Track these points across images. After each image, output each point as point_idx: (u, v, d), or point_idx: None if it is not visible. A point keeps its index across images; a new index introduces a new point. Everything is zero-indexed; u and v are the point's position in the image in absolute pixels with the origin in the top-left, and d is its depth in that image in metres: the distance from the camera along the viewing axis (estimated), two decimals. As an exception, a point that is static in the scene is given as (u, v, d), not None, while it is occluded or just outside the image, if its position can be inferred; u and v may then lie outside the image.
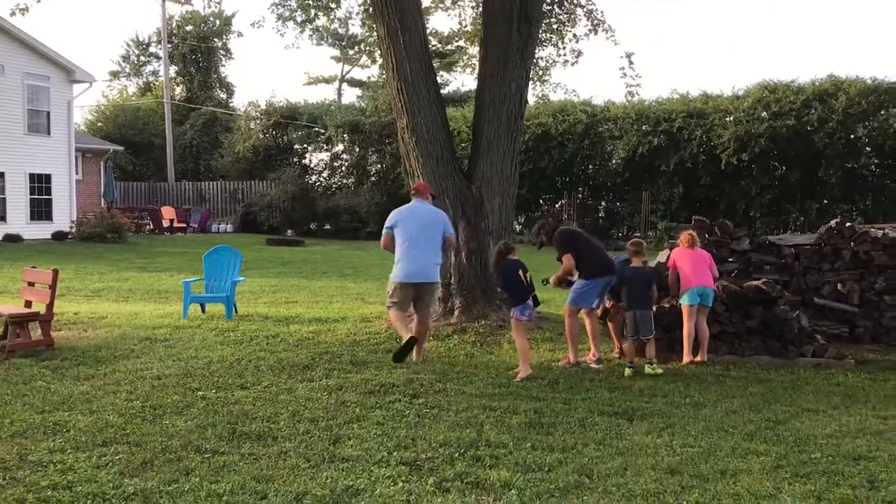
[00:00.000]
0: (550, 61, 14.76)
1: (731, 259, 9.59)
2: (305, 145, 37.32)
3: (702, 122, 26.05)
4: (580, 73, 74.42)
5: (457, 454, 5.23)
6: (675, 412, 6.42)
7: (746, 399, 6.87)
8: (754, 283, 8.72)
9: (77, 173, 28.56)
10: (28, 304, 9.27)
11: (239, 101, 51.23)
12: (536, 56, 12.74)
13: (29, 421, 5.91)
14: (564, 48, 14.29)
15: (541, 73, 14.83)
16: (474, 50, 19.95)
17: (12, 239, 24.04)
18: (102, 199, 30.76)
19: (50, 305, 8.77)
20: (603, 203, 30.01)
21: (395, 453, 5.24)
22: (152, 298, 13.54)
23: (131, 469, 4.92)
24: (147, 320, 10.40)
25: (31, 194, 25.82)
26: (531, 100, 15.59)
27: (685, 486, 4.75)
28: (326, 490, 4.59)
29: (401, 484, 4.72)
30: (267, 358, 8.17)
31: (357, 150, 34.84)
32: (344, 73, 50.30)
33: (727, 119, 25.69)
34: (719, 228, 9.71)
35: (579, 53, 14.34)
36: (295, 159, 37.10)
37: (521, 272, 7.69)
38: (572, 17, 13.73)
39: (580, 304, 8.26)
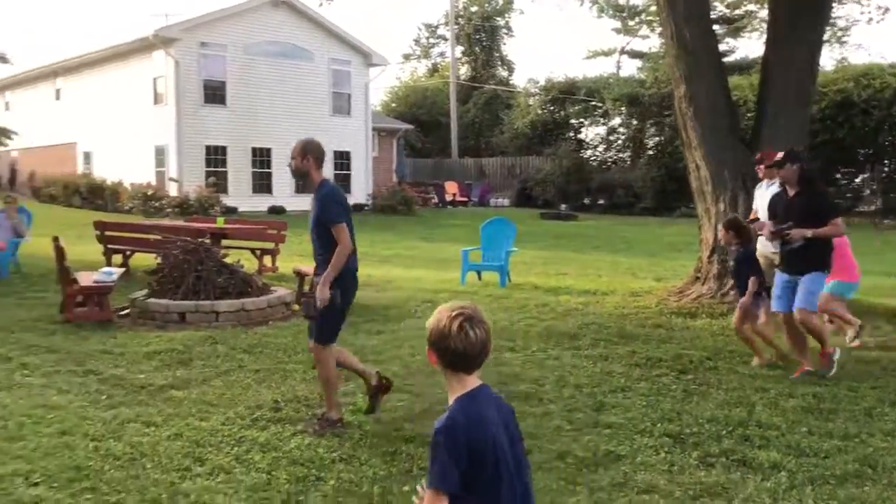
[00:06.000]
0: (851, 20, 13.44)
1: None
2: (582, 120, 37.37)
3: None
4: (888, 32, 66.22)
5: (724, 432, 5.09)
6: None
7: None
8: None
9: (373, 150, 31.12)
10: (329, 265, 10.38)
11: (519, 79, 52.52)
12: (834, 15, 11.65)
13: (328, 367, 6.68)
14: (868, 4, 12.93)
15: (839, 33, 13.55)
16: (764, 13, 18.63)
17: (318, 209, 26.92)
18: (394, 175, 33.26)
19: (347, 268, 9.74)
20: (914, 177, 26.74)
21: (658, 425, 5.22)
22: (434, 266, 14.50)
23: (411, 415, 5.41)
24: (429, 285, 11.19)
25: (334, 170, 28.63)
26: (829, 64, 14.32)
27: None
28: (588, 453, 4.71)
29: (663, 454, 4.71)
30: (536, 325, 8.45)
31: (634, 123, 34.21)
32: (624, 45, 49.38)
33: None
34: None
35: (886, 10, 12.91)
36: (571, 134, 37.30)
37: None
38: (880, -32, 12.37)
39: (814, 305, 6.55)
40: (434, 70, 51.09)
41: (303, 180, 5.32)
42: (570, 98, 36.59)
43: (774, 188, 7.13)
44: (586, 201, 33.01)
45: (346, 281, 5.20)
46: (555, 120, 37.47)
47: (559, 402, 5.73)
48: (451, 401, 2.39)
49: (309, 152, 5.23)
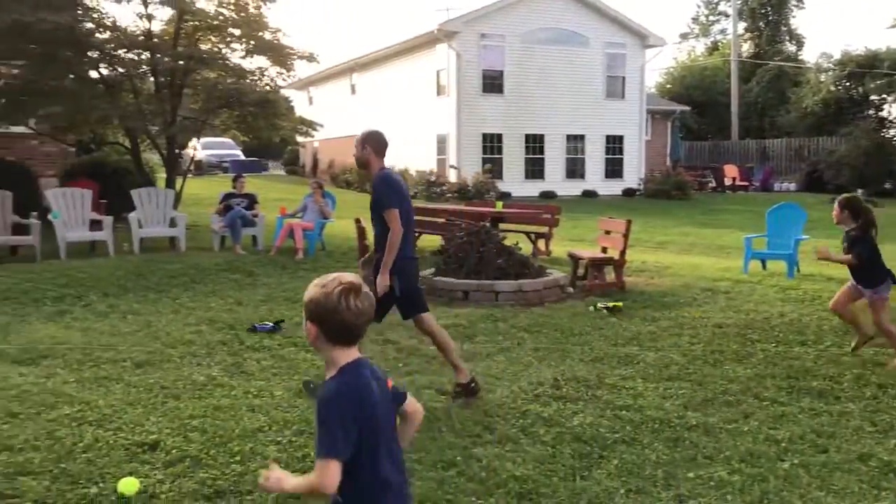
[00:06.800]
0: None
1: None
2: (884, 96, 33.63)
3: None
4: None
5: None
6: None
7: None
8: None
9: (646, 134, 30.45)
10: (604, 250, 10.41)
11: (809, 54, 48.48)
12: None
13: (605, 350, 6.75)
14: None
15: None
16: None
17: (589, 194, 26.97)
18: (668, 158, 32.28)
19: (623, 252, 9.72)
20: None
21: (982, 435, 4.68)
22: (712, 253, 13.95)
23: (693, 404, 5.31)
24: (708, 272, 10.80)
25: (605, 154, 28.45)
26: None
27: None
28: (895, 457, 4.35)
29: None
30: (830, 318, 7.83)
31: (951, 97, 30.14)
32: (939, 8, 43.61)
33: None
34: None
35: None
36: (870, 112, 33.74)
37: None
38: None
39: None
40: (713, 48, 48.73)
41: (364, 169, 5.41)
42: (870, 72, 33.05)
43: None
44: (887, 186, 29.70)
45: (401, 267, 5.27)
46: (851, 97, 34.11)
47: (859, 402, 5.32)
48: (333, 373, 2.33)
49: (367, 142, 5.32)
